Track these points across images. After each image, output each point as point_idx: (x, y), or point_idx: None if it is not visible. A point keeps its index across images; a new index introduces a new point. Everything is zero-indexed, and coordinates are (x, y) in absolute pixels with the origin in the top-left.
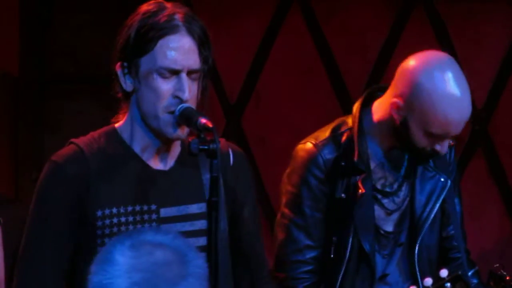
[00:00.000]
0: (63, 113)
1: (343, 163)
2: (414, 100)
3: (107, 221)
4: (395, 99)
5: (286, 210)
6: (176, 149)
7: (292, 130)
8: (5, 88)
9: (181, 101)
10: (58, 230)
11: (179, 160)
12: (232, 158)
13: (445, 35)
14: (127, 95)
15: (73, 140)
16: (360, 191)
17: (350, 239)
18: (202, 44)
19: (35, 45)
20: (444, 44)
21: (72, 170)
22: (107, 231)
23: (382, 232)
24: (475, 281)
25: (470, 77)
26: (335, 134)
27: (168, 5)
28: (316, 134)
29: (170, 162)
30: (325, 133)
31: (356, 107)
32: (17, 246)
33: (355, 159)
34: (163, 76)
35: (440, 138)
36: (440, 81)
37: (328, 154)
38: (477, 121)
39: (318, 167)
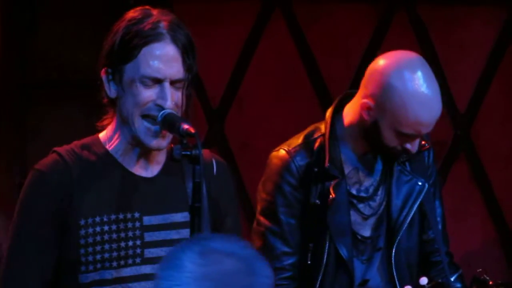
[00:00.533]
0: (45, 118)
1: (316, 169)
2: (384, 100)
3: (90, 230)
4: (365, 100)
5: (261, 218)
6: (161, 156)
7: (275, 135)
8: None
9: (162, 109)
10: (41, 239)
11: (164, 168)
12: (216, 168)
13: (427, 39)
14: (113, 101)
15: (55, 149)
16: (331, 196)
17: (327, 245)
18: (186, 52)
19: (18, 50)
20: (426, 48)
21: (54, 179)
22: (90, 240)
23: (359, 237)
24: (458, 285)
25: (452, 81)
26: (308, 140)
27: (154, 12)
28: (289, 141)
29: (155, 169)
30: (298, 139)
31: (328, 112)
32: None
33: (326, 165)
34: (146, 84)
35: (411, 137)
36: (410, 81)
37: (300, 161)
38: (460, 126)
39: (291, 174)
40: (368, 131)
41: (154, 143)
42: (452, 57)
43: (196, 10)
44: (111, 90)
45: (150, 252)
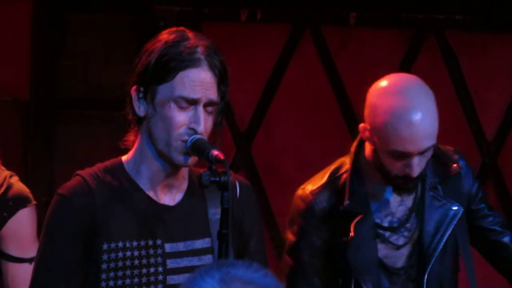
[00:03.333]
0: (73, 138)
1: (341, 207)
2: (372, 120)
3: (113, 255)
4: (362, 124)
5: (287, 257)
6: (183, 183)
7: (302, 159)
8: (16, 113)
9: (195, 133)
10: (66, 263)
11: (186, 195)
12: (239, 190)
13: (457, 66)
14: (139, 120)
15: (79, 172)
16: (350, 234)
17: (352, 282)
18: (221, 79)
19: (46, 70)
20: (455, 75)
21: (78, 203)
22: (112, 265)
23: (392, 270)
24: None
25: (480, 109)
26: (333, 178)
27: (190, 34)
28: (314, 178)
29: (177, 197)
30: (323, 178)
31: (353, 146)
32: None
33: (345, 203)
34: (180, 106)
35: (402, 157)
36: (391, 96)
37: (323, 202)
38: (487, 154)
39: (314, 215)
40: (373, 158)
41: (184, 161)
42: (481, 84)
43: (225, 32)
44: (140, 109)
45: (172, 279)
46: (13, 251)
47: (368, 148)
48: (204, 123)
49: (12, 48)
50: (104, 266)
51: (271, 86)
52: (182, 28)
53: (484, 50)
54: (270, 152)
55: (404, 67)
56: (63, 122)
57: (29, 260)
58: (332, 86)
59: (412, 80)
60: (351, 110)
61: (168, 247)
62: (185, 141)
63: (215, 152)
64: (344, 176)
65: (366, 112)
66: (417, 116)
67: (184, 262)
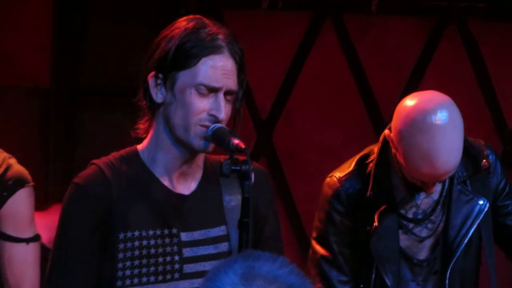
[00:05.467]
0: (94, 125)
1: (366, 196)
2: (396, 141)
3: (129, 244)
4: (388, 132)
5: (316, 246)
6: (198, 171)
7: (323, 146)
8: (37, 100)
9: (216, 119)
10: (83, 252)
11: (201, 183)
12: (254, 176)
13: (478, 54)
14: (154, 106)
15: (94, 161)
16: (374, 224)
17: (374, 271)
18: (241, 67)
19: (67, 57)
20: (476, 63)
21: (94, 192)
22: (128, 254)
23: (415, 261)
24: None
25: (502, 98)
26: (361, 165)
27: (209, 22)
28: (343, 166)
29: (192, 185)
30: (350, 165)
31: (382, 135)
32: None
33: (368, 192)
34: (200, 92)
35: (423, 181)
36: (415, 129)
37: (350, 189)
38: (508, 142)
39: (341, 202)
40: (394, 161)
41: (203, 146)
42: (503, 72)
43: (247, 19)
44: (158, 95)
45: (189, 268)
46: (10, 231)
47: None
48: (225, 111)
49: (33, 35)
50: (120, 255)
51: (292, 73)
52: (199, 16)
53: (505, 38)
54: (291, 140)
55: (425, 55)
56: (84, 109)
57: (25, 240)
58: (353, 74)
59: (443, 110)
60: (372, 98)
61: (184, 236)
62: (204, 126)
63: (236, 141)
64: (371, 165)
65: (393, 125)
66: (440, 159)
67: (200, 250)
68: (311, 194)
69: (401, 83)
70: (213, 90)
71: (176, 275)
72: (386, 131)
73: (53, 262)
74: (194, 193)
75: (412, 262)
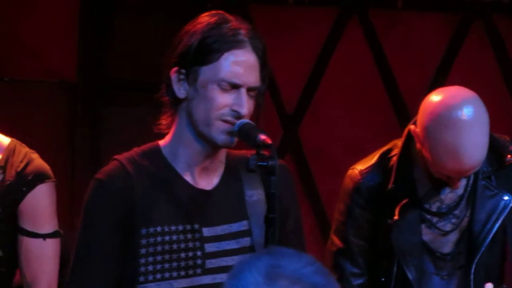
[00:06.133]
0: (120, 119)
1: (387, 190)
2: (422, 136)
3: (151, 240)
4: (413, 127)
5: (333, 237)
6: (220, 166)
7: (349, 142)
8: (64, 94)
9: (238, 115)
10: (106, 248)
11: (223, 178)
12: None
13: (504, 51)
14: (176, 102)
15: (116, 157)
16: (394, 217)
17: (395, 264)
18: (264, 62)
19: (94, 51)
20: (502, 60)
21: (116, 188)
22: (151, 249)
23: (438, 254)
24: None
25: None
26: (383, 159)
27: (231, 17)
28: (366, 158)
29: (214, 180)
30: (373, 158)
31: (406, 130)
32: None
33: (390, 186)
34: (223, 88)
35: (449, 176)
36: (441, 125)
37: (371, 181)
38: None
39: (361, 195)
40: (419, 157)
41: (224, 139)
42: None
43: (273, 14)
44: (180, 90)
45: (211, 263)
46: (28, 226)
47: None
48: (247, 106)
49: (60, 30)
50: (142, 251)
51: (318, 69)
52: (221, 11)
53: None
54: (317, 135)
55: (451, 51)
56: (111, 104)
57: (43, 236)
58: (379, 69)
59: (469, 106)
60: (397, 93)
61: (206, 231)
62: (226, 122)
63: (262, 137)
64: (394, 158)
65: (419, 121)
66: (466, 154)
67: (222, 245)
68: (337, 189)
69: (426, 79)
70: (235, 86)
71: (199, 270)
72: (412, 127)
73: (75, 259)
74: (216, 188)
75: (435, 255)
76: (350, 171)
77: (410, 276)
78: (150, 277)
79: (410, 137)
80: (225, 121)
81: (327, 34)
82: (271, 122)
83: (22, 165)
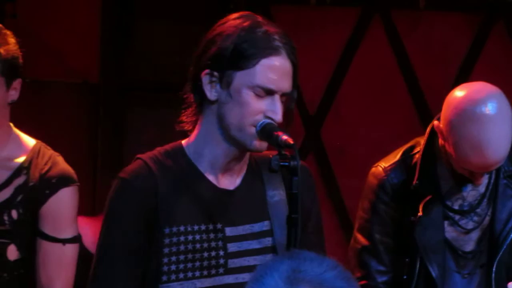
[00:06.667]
0: (142, 120)
1: (411, 187)
2: (446, 131)
3: (175, 239)
4: (437, 123)
5: (357, 235)
6: (243, 167)
7: (371, 142)
8: (86, 95)
9: (273, 121)
10: (129, 247)
11: (245, 178)
12: None
13: None
14: (205, 103)
15: (139, 156)
16: (418, 214)
17: (418, 261)
18: (296, 67)
19: (116, 52)
20: None
21: (140, 186)
22: (174, 249)
23: (460, 252)
24: None
25: None
26: (406, 156)
27: (262, 20)
28: (389, 156)
29: (236, 181)
30: (396, 155)
31: (428, 127)
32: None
33: (414, 182)
34: (257, 94)
35: (472, 172)
36: (466, 120)
37: (395, 178)
38: None
39: (386, 192)
40: (442, 152)
41: (258, 145)
42: None
43: (294, 15)
44: (212, 93)
45: (233, 263)
46: (48, 230)
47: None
48: (280, 112)
49: (82, 31)
50: (166, 250)
51: (340, 69)
52: (250, 12)
53: None
54: (339, 136)
55: (473, 51)
56: (133, 105)
57: (62, 241)
58: (401, 70)
59: (494, 100)
60: (420, 94)
61: (228, 231)
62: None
63: (285, 137)
64: (417, 156)
65: (443, 116)
66: (490, 149)
67: (244, 245)
68: (359, 189)
69: (449, 79)
70: (270, 92)
71: (221, 270)
72: (435, 122)
73: (98, 257)
74: (238, 188)
75: (457, 253)
76: (373, 169)
77: (433, 273)
78: (173, 277)
79: (433, 134)
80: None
81: (349, 34)
82: (293, 122)
83: (47, 167)
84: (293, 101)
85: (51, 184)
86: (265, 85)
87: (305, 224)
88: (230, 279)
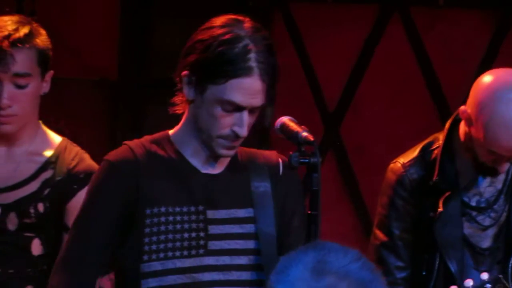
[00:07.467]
0: (160, 117)
1: (430, 182)
2: (474, 113)
3: (155, 220)
4: (464, 107)
5: (377, 231)
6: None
7: (390, 139)
8: (104, 93)
9: (237, 136)
10: (106, 222)
11: (229, 166)
12: (282, 168)
13: None
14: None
15: (126, 142)
16: (438, 210)
17: (437, 257)
18: (271, 83)
19: (134, 50)
20: None
21: (123, 167)
22: (154, 229)
23: (477, 249)
24: None
25: None
26: (425, 152)
27: (246, 29)
28: (407, 152)
29: (220, 167)
30: (415, 151)
31: (447, 123)
32: None
33: (434, 178)
34: (226, 110)
35: (495, 155)
36: (497, 100)
37: (414, 174)
38: None
39: (404, 187)
40: (465, 139)
41: (225, 152)
42: None
43: (313, 12)
44: (189, 93)
45: (214, 245)
46: None
47: (462, 128)
48: (247, 126)
49: (101, 28)
50: (147, 230)
51: (359, 66)
52: (237, 18)
53: None
54: (358, 133)
55: (492, 48)
56: (151, 102)
57: None
58: (421, 67)
59: None
60: (439, 91)
61: (210, 213)
62: (225, 138)
63: (305, 133)
64: (436, 151)
65: (471, 99)
66: None
67: (226, 228)
68: (379, 187)
69: (468, 76)
70: (238, 109)
71: (201, 251)
72: (462, 107)
73: (74, 230)
74: (222, 173)
75: (474, 250)
76: (392, 165)
77: (452, 269)
78: (154, 256)
79: (452, 130)
80: (225, 138)
81: (368, 31)
82: (312, 119)
83: (74, 163)
84: (269, 118)
85: (79, 179)
86: (234, 102)
87: (290, 219)
88: (210, 260)
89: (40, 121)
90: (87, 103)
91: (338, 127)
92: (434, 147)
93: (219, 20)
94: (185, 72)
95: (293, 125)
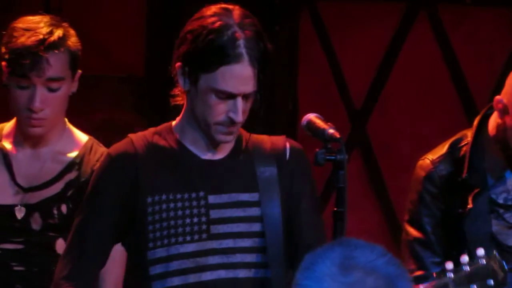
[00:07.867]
0: None
1: (458, 179)
2: (510, 100)
3: (157, 207)
4: (499, 97)
5: (409, 228)
6: (229, 144)
7: (417, 137)
8: (131, 89)
9: (233, 121)
10: (105, 208)
11: (231, 153)
12: (288, 153)
13: None
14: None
15: (129, 135)
16: (468, 206)
17: (466, 254)
18: (262, 69)
19: (161, 47)
20: None
21: (121, 161)
22: (157, 217)
23: (504, 247)
24: None
25: None
26: (453, 149)
27: (235, 17)
28: (435, 149)
29: (221, 153)
30: (443, 148)
31: (476, 120)
32: None
33: (464, 175)
34: (219, 98)
35: None
36: None
37: (443, 170)
38: None
39: (433, 183)
40: (496, 132)
41: (223, 138)
42: None
43: (341, 10)
44: (184, 84)
45: (216, 229)
46: None
47: (492, 122)
48: (242, 112)
49: (128, 24)
50: (149, 218)
51: (386, 64)
52: (226, 7)
53: None
54: (385, 130)
55: None
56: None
57: None
58: (447, 65)
59: None
60: (466, 89)
61: (211, 198)
62: (222, 125)
63: (331, 130)
64: (464, 148)
65: (507, 89)
66: None
67: (228, 212)
68: (406, 185)
69: (494, 74)
70: (231, 96)
71: (204, 236)
72: (496, 97)
73: (76, 224)
74: (223, 159)
75: (502, 248)
76: (420, 162)
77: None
78: (159, 243)
79: (481, 126)
80: (222, 124)
81: (395, 29)
82: (339, 117)
83: (99, 163)
84: (259, 102)
85: None
86: (225, 90)
87: (299, 202)
88: (213, 244)
89: (66, 119)
90: (114, 100)
91: (365, 124)
92: (463, 143)
93: (208, 10)
94: (178, 64)
95: (320, 122)
